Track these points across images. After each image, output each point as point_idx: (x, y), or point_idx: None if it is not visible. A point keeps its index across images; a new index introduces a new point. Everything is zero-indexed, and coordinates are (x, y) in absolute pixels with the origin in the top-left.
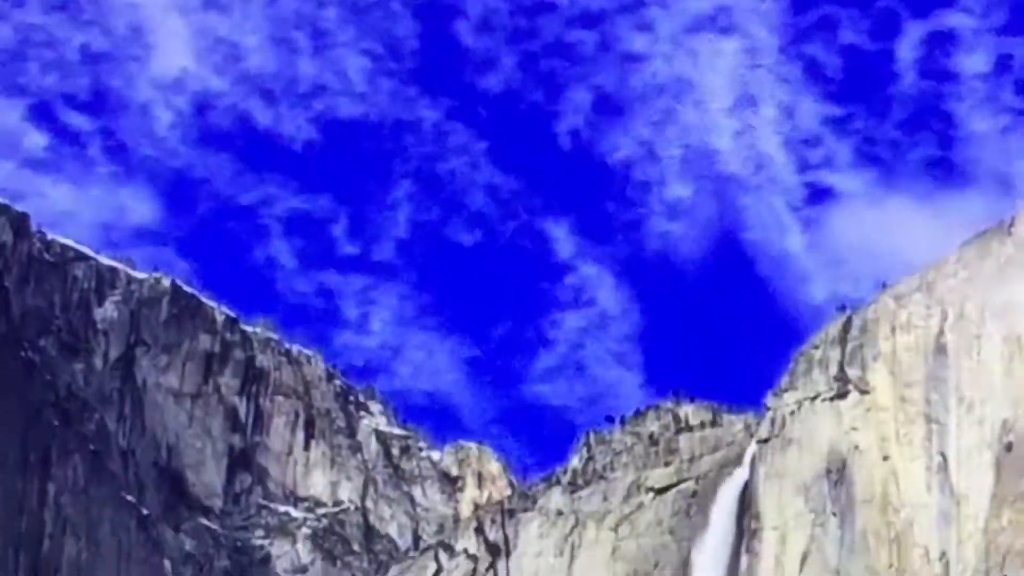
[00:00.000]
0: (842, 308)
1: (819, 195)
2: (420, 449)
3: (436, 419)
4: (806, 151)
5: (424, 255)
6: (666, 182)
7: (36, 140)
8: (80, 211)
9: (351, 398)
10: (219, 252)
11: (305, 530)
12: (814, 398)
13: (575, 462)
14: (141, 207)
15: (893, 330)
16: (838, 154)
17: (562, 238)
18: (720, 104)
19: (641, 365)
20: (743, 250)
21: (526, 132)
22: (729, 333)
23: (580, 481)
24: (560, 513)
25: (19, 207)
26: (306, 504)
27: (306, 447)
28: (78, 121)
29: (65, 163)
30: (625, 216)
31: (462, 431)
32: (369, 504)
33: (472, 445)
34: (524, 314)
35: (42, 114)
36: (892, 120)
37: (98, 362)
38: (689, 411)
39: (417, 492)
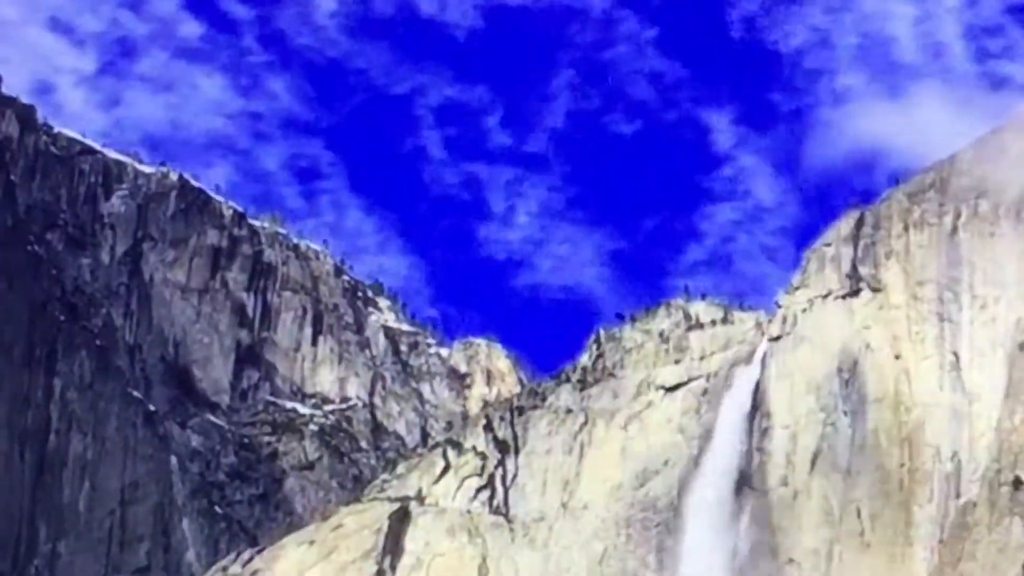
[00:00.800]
0: (855, 205)
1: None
2: (428, 346)
3: (571, 314)
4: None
5: (578, 146)
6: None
7: (191, 29)
8: (227, 101)
9: (359, 294)
10: (367, 142)
11: (312, 426)
12: (826, 296)
13: (585, 359)
14: (291, 97)
15: (906, 228)
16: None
17: (722, 128)
18: None
19: (792, 261)
20: None
21: (697, 19)
22: None
23: (589, 379)
24: (569, 411)
25: (172, 97)
26: (313, 401)
27: (314, 343)
28: (236, 10)
29: (219, 53)
30: (789, 105)
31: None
32: (377, 401)
33: (481, 342)
34: (676, 207)
35: (199, 3)
36: None
37: (105, 257)
38: (700, 308)
39: (425, 389)
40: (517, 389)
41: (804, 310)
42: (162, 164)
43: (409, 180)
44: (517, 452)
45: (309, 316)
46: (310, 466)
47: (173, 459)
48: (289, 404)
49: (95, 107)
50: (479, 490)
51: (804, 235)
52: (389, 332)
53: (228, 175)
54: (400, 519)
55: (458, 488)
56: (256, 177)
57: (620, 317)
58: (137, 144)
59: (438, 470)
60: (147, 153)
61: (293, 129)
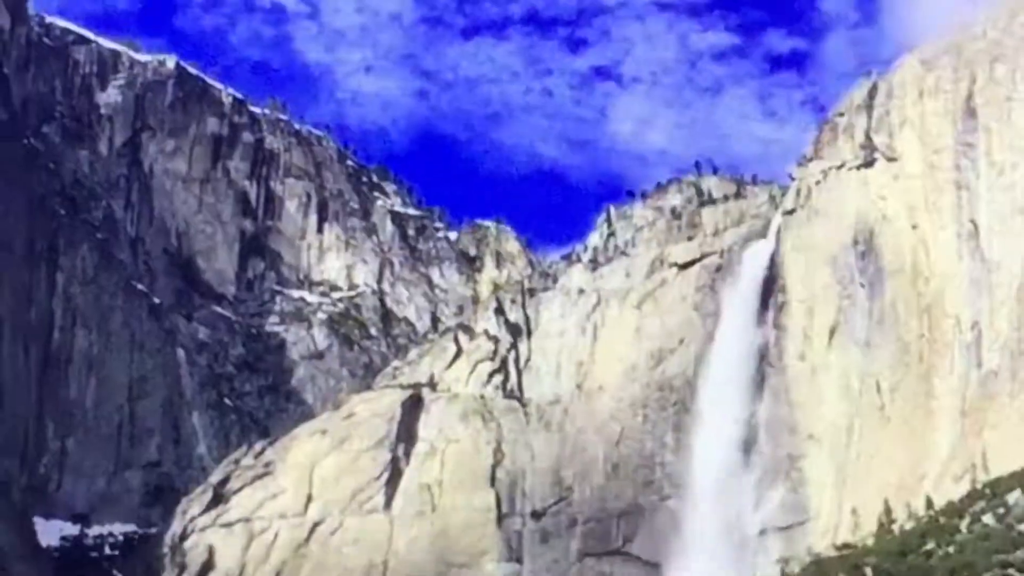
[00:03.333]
0: (868, 73)
1: None
2: (436, 229)
3: None
4: None
5: None
6: None
7: None
8: None
9: (364, 179)
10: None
11: (321, 315)
12: (840, 167)
13: (595, 239)
14: None
15: (921, 95)
16: None
17: None
18: None
19: None
20: None
21: None
22: None
23: (601, 258)
24: (581, 291)
25: None
26: (321, 288)
27: (319, 230)
28: None
29: None
30: None
31: None
32: (385, 287)
33: (490, 224)
34: None
35: None
36: None
37: (103, 148)
38: (712, 183)
39: (434, 273)
40: (528, 271)
41: (818, 182)
42: (159, 52)
43: None
44: (529, 335)
45: (314, 203)
46: (319, 355)
47: (180, 352)
48: (296, 293)
49: None
50: (492, 374)
51: None
52: (396, 217)
53: None
54: (413, 406)
55: (471, 373)
56: None
57: (631, 194)
58: None
59: (450, 355)
60: None
61: None
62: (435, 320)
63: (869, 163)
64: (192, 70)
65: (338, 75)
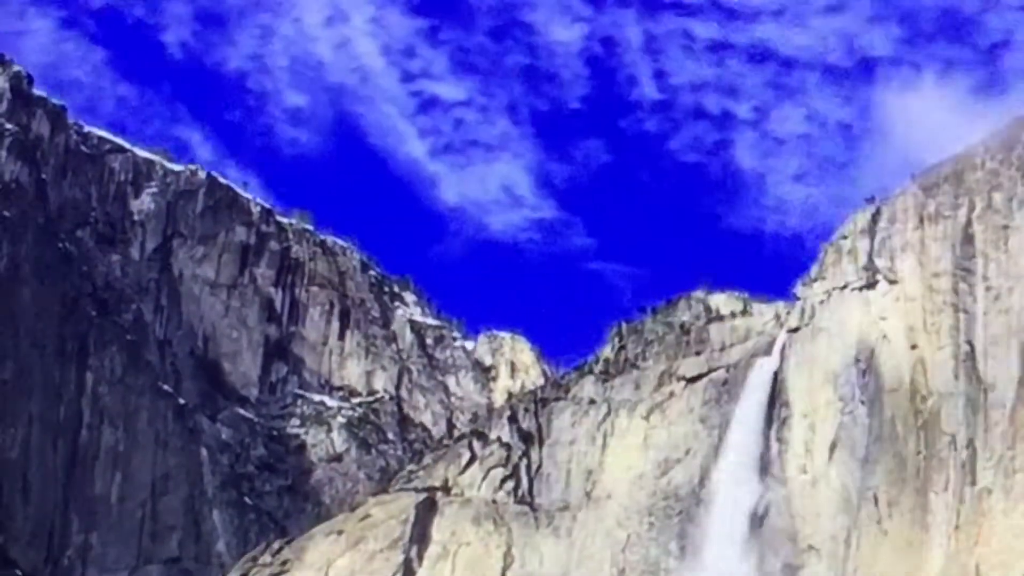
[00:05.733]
0: (871, 199)
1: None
2: (454, 339)
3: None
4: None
5: None
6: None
7: None
8: None
9: (386, 288)
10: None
11: (340, 419)
12: (843, 287)
13: (607, 351)
14: None
15: (921, 220)
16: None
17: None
18: None
19: None
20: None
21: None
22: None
23: (612, 370)
24: (592, 402)
25: None
26: (341, 393)
27: (341, 337)
28: None
29: None
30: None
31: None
32: (403, 393)
33: (506, 335)
34: None
35: None
36: None
37: (135, 253)
38: (720, 301)
39: (451, 381)
40: (541, 381)
41: (822, 302)
42: (191, 162)
43: None
44: (541, 443)
45: (336, 311)
46: (338, 457)
47: (203, 451)
48: (317, 397)
49: None
50: (504, 480)
51: None
52: (415, 326)
53: None
54: (427, 509)
55: (483, 478)
56: None
57: (641, 310)
58: None
59: (464, 461)
60: None
61: None
62: (450, 426)
63: (871, 285)
64: (222, 180)
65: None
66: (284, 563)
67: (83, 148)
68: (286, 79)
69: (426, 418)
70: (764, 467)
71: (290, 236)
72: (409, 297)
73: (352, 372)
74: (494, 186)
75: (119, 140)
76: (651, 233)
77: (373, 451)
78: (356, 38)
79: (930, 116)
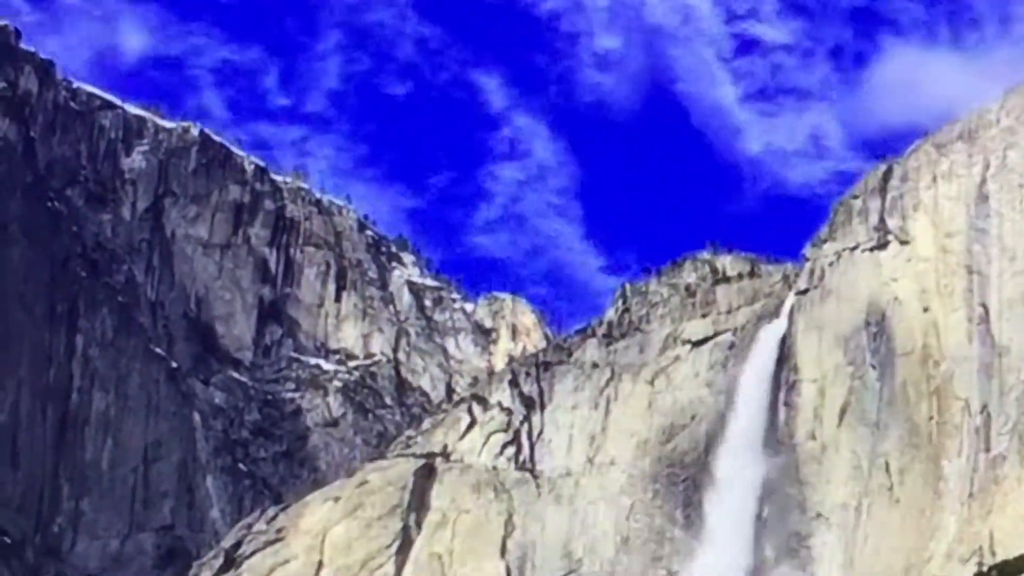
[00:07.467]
0: (882, 157)
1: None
2: (453, 300)
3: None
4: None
5: (357, 106)
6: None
7: None
8: None
9: (383, 249)
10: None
11: (336, 383)
12: (854, 248)
13: (611, 314)
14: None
15: (934, 179)
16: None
17: (493, 90)
18: None
19: (580, 218)
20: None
21: None
22: (665, 185)
23: (616, 333)
24: (595, 366)
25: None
26: (337, 357)
27: (337, 299)
28: None
29: None
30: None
31: None
32: (401, 356)
33: (506, 296)
34: (462, 165)
35: None
36: None
37: (126, 213)
38: (727, 262)
39: (450, 344)
40: (543, 344)
41: (831, 263)
42: (183, 119)
43: None
44: (543, 407)
45: (332, 272)
46: (334, 423)
47: (196, 416)
48: (313, 360)
49: None
50: (505, 446)
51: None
52: (413, 287)
53: None
54: (425, 475)
55: (484, 444)
56: None
57: (646, 271)
58: None
59: (463, 426)
60: None
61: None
62: (450, 390)
63: (882, 246)
64: (215, 137)
65: None
66: (279, 530)
67: (72, 104)
68: (602, 20)
69: (424, 382)
70: (772, 433)
71: (285, 195)
72: (407, 257)
73: (348, 335)
74: (802, 136)
75: (109, 96)
76: None
77: (370, 416)
78: None
79: None
